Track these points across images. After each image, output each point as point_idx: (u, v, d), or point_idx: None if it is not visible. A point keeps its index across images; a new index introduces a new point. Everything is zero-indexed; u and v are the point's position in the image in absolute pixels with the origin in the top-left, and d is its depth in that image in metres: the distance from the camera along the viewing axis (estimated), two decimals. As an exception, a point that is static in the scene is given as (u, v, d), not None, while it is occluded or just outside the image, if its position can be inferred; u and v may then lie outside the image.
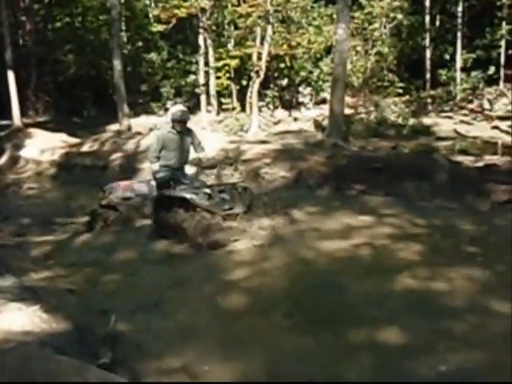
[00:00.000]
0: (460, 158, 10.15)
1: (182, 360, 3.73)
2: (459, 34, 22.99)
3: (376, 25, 20.41)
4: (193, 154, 6.91)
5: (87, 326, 4.05)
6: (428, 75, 22.76)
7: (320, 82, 23.18)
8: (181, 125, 6.58)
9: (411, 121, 17.10)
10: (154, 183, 6.99)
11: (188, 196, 6.20)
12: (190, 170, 6.93)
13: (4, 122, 17.50)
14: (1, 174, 13.54)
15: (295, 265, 5.46)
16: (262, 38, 17.78)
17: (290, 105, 23.78)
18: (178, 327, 4.26)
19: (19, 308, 4.01)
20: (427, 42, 22.91)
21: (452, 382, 3.41)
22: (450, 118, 19.48)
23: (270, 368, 3.65)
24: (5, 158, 14.63)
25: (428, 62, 22.82)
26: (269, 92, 21.78)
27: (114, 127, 18.22)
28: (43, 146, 13.94)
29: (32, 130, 15.94)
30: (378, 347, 3.81)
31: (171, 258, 5.79)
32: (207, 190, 6.33)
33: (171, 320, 4.38)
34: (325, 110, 21.75)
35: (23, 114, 19.19)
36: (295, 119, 21.46)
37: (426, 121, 17.84)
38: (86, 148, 13.25)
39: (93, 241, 6.64)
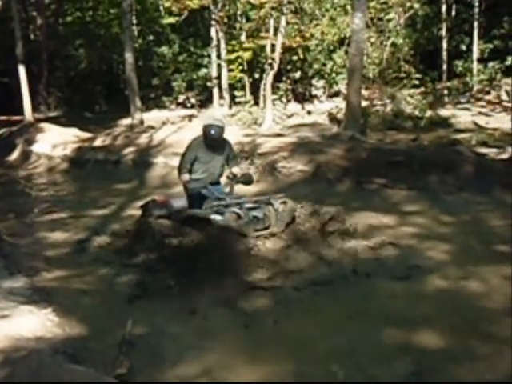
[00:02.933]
0: (483, 150, 9.78)
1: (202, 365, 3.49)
2: (476, 24, 22.51)
3: (391, 15, 19.99)
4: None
5: (102, 331, 3.81)
6: (444, 66, 22.35)
7: (333, 75, 22.83)
8: (214, 141, 6.04)
9: (428, 113, 16.69)
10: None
11: (211, 217, 5.58)
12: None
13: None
14: (12, 169, 13.33)
15: (318, 265, 5.20)
16: (275, 30, 17.44)
17: (303, 98, 23.42)
18: (197, 329, 4.02)
19: (30, 311, 3.80)
20: (444, 32, 22.47)
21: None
22: (467, 109, 19.04)
23: (298, 372, 3.40)
24: (16, 153, 14.43)
25: (444, 53, 22.40)
26: (281, 85, 21.43)
27: (126, 121, 18.01)
28: (55, 141, 13.72)
29: (44, 125, 15.75)
30: (417, 350, 3.54)
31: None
32: (235, 209, 5.66)
33: (190, 321, 4.15)
34: (338, 102, 21.42)
35: (35, 109, 19.02)
36: (309, 112, 21.12)
37: (443, 113, 17.44)
38: (98, 143, 13.01)
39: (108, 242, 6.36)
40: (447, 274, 4.83)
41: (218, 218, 5.57)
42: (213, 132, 5.96)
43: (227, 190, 6.38)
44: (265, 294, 4.58)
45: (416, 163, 8.18)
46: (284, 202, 5.97)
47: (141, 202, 7.30)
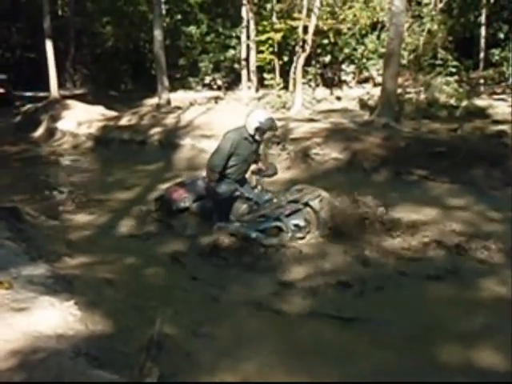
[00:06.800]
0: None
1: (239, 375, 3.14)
2: (516, 12, 21.67)
3: (428, -1, 19.29)
4: None
5: (128, 328, 3.48)
6: (482, 54, 21.58)
7: (364, 60, 22.25)
8: (263, 134, 5.63)
9: (464, 102, 16.05)
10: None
11: (253, 235, 5.16)
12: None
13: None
14: (37, 146, 13.13)
15: (357, 265, 4.81)
16: (308, 11, 16.87)
17: (332, 83, 22.89)
18: (231, 331, 3.68)
19: (51, 304, 3.48)
20: (483, 19, 21.63)
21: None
22: (503, 100, 18.36)
23: None
24: (41, 129, 14.24)
25: (482, 41, 21.60)
26: (310, 69, 20.91)
27: (152, 101, 17.73)
28: (80, 119, 13.46)
29: (69, 102, 15.52)
30: (480, 373, 3.13)
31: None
32: (277, 223, 5.28)
33: (223, 322, 3.80)
34: (368, 89, 20.87)
35: (60, 85, 18.85)
36: (338, 98, 20.61)
37: (480, 103, 16.77)
38: (124, 122, 12.71)
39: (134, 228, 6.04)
40: (503, 280, 4.40)
41: (260, 236, 5.18)
42: (270, 123, 5.56)
43: (253, 184, 5.99)
44: (300, 296, 4.22)
45: (459, 155, 7.68)
46: (321, 200, 5.55)
47: (167, 184, 7.00)
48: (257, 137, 5.59)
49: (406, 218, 5.96)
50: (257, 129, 5.51)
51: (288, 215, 5.38)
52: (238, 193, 5.59)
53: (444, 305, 4.02)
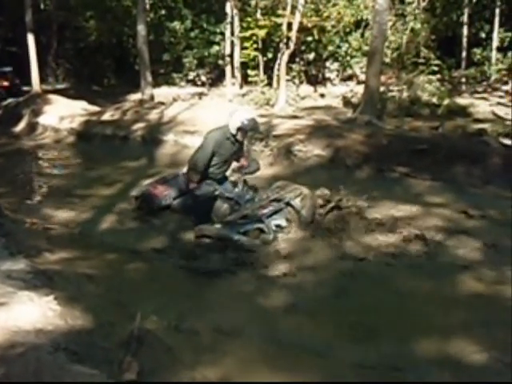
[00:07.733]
0: (508, 142, 9.33)
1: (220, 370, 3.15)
2: (497, 11, 21.94)
3: (412, -3, 19.45)
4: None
5: (108, 323, 3.47)
6: (464, 54, 21.81)
7: (348, 58, 22.39)
8: (245, 134, 5.59)
9: (446, 101, 16.23)
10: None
11: (235, 237, 5.09)
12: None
13: None
14: (18, 140, 13.02)
15: (341, 261, 4.85)
16: (293, 8, 16.91)
17: (316, 80, 22.98)
18: (212, 325, 3.68)
19: (30, 299, 3.45)
20: (465, 18, 21.85)
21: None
22: (485, 99, 18.58)
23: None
24: (22, 124, 14.10)
25: (464, 40, 21.83)
26: (294, 66, 20.98)
27: (135, 96, 17.67)
28: (62, 114, 13.34)
29: (51, 97, 15.39)
30: (455, 364, 3.18)
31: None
32: (259, 225, 5.22)
33: (204, 316, 3.81)
34: (352, 86, 20.99)
35: (42, 80, 18.68)
36: (322, 95, 20.71)
37: (461, 101, 16.98)
38: (106, 117, 12.61)
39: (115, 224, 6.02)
40: (481, 276, 4.47)
41: (242, 238, 5.15)
42: (251, 124, 5.50)
43: (232, 179, 5.99)
44: (282, 292, 4.24)
45: (440, 153, 7.76)
46: (302, 198, 5.56)
47: (149, 180, 6.98)
48: (238, 137, 5.54)
49: (387, 215, 6.01)
50: (239, 129, 5.46)
51: (269, 215, 5.37)
52: (217, 192, 5.57)
53: (428, 303, 4.05)
